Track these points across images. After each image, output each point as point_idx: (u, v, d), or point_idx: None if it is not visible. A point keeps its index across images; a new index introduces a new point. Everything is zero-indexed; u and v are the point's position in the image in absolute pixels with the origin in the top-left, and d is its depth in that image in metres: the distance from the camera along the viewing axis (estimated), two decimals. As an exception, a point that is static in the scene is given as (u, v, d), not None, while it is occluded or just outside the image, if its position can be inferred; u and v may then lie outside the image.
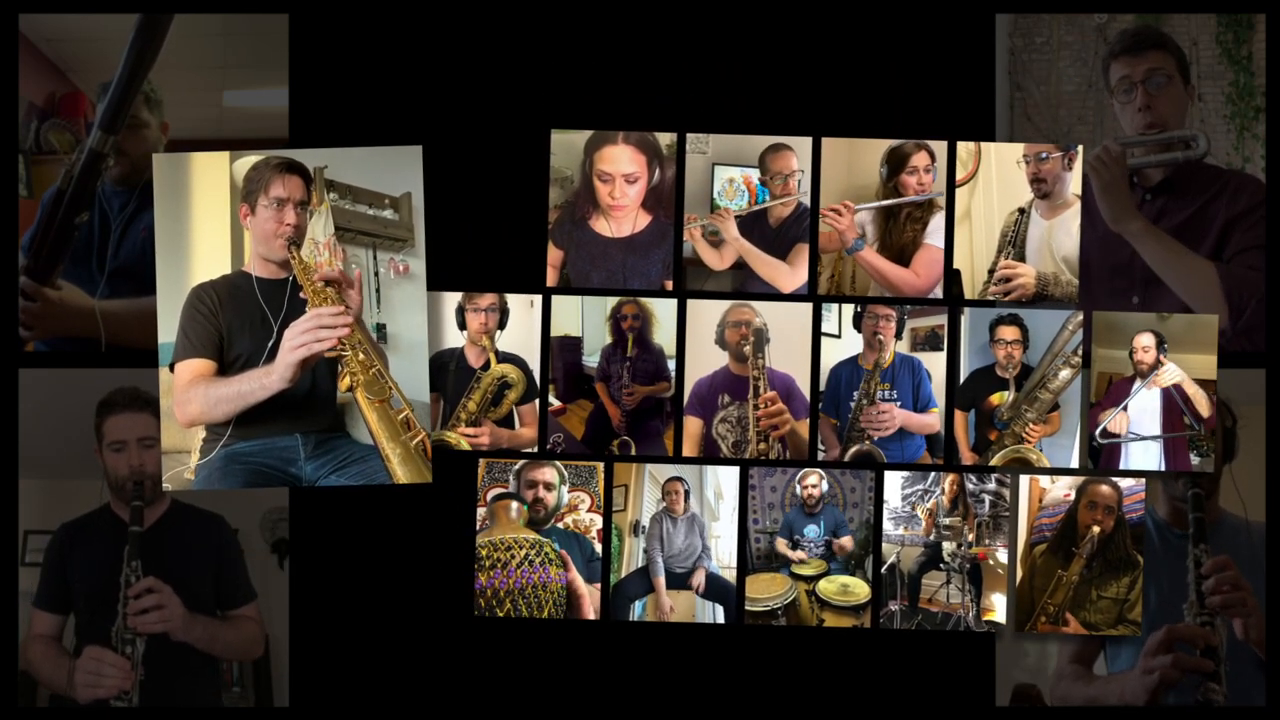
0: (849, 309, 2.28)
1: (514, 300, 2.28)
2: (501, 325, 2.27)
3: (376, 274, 2.27)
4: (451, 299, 2.28)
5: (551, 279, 2.27)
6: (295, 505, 2.27)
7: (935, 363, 2.28)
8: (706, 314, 2.27)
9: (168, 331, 2.19)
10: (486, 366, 2.28)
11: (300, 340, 2.08)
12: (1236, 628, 2.13)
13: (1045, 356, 2.27)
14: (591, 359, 2.30)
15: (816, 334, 2.27)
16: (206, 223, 2.24)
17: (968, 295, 2.27)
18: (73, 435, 2.26)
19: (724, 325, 2.27)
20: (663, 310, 2.27)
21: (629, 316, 2.28)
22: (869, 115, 2.29)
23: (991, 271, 2.28)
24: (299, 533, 2.27)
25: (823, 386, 2.27)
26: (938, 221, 2.27)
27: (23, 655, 2.24)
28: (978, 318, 2.28)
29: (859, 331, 2.29)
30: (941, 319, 2.27)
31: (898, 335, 2.28)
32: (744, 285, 2.28)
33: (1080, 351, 2.25)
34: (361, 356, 2.12)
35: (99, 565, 2.22)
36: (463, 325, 2.28)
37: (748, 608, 2.25)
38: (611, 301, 2.28)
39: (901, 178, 2.27)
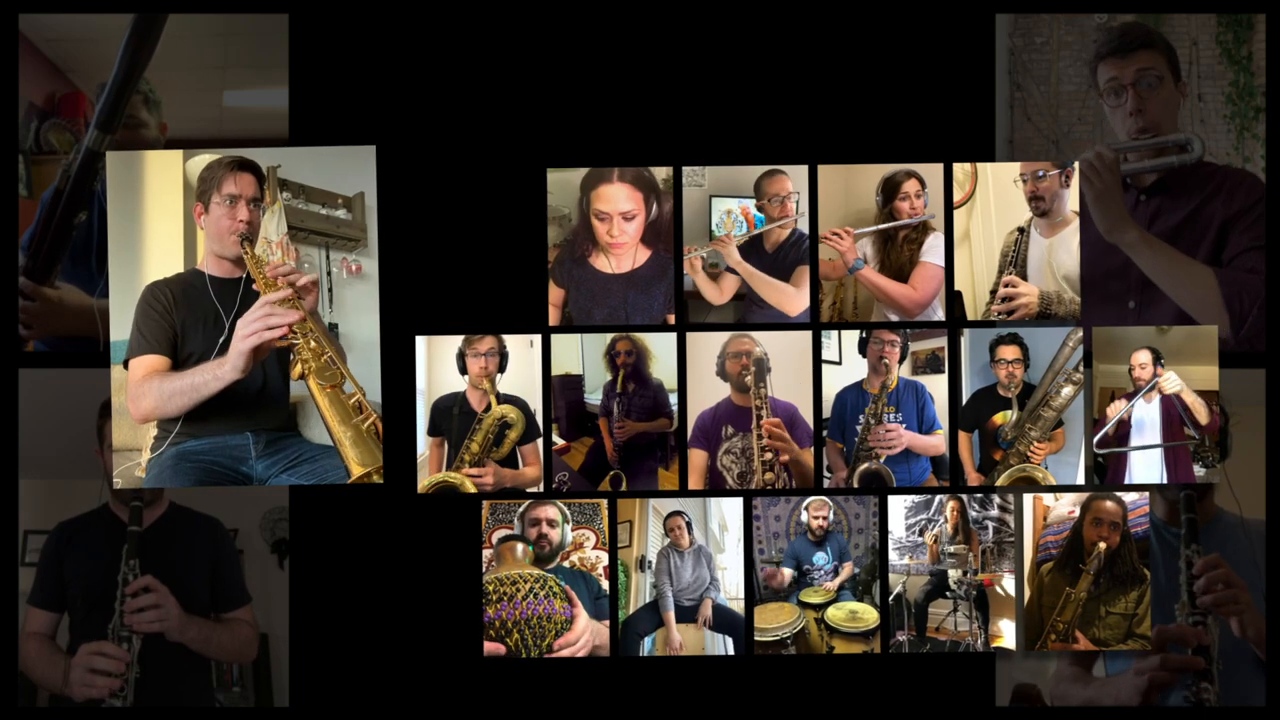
0: (849, 336, 2.28)
1: (513, 341, 2.27)
2: (501, 368, 2.27)
3: (329, 274, 2.28)
4: (452, 344, 2.27)
5: (554, 318, 2.26)
6: (295, 505, 2.27)
7: (937, 385, 2.28)
8: (707, 346, 2.27)
9: (120, 329, 2.22)
10: (489, 409, 2.27)
11: (252, 329, 2.12)
12: (1233, 626, 2.14)
13: (1046, 374, 2.27)
14: (594, 396, 2.29)
15: (817, 361, 2.26)
16: (159, 221, 2.25)
17: (969, 317, 2.27)
18: (73, 435, 2.26)
19: (724, 356, 2.27)
20: (659, 344, 2.27)
21: (622, 353, 2.27)
22: (868, 130, 2.27)
23: (993, 292, 2.27)
24: (299, 533, 2.27)
25: (827, 413, 2.27)
26: (932, 240, 2.27)
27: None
28: (978, 338, 2.27)
29: (864, 357, 2.28)
30: (941, 341, 2.27)
31: (901, 359, 2.28)
32: (744, 316, 2.28)
33: (1081, 368, 2.25)
34: (313, 344, 2.15)
35: (96, 564, 2.23)
36: (464, 370, 2.27)
37: (757, 638, 2.26)
38: (608, 338, 2.27)
39: (895, 204, 2.27)
